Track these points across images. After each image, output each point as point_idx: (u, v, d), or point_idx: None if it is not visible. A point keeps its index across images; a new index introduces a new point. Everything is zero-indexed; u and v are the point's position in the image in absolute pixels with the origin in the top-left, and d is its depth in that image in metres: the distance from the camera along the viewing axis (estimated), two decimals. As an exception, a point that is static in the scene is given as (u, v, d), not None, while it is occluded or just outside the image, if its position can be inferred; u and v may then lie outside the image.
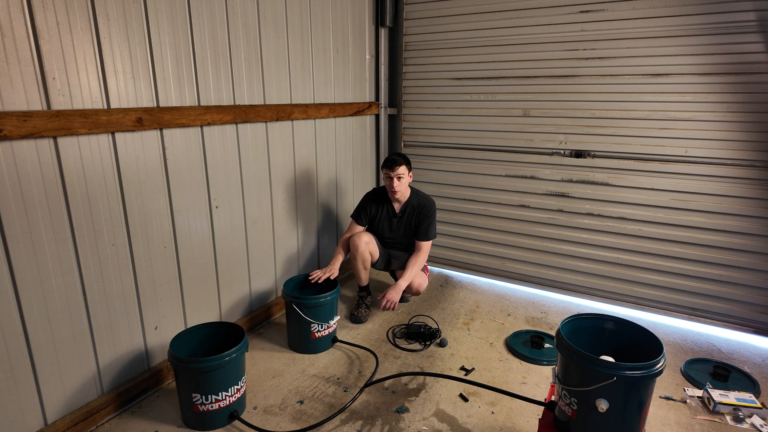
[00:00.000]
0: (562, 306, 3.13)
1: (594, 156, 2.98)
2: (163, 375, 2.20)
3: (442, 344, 2.60)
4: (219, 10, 2.23)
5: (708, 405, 2.10)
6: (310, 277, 2.62)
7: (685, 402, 2.14)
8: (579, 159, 3.03)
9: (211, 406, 1.89)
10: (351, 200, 3.55)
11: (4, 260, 1.58)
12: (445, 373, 2.30)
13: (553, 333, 2.70)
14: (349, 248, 2.85)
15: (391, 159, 2.73)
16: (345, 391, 2.19)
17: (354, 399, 2.10)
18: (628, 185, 2.91)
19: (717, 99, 2.60)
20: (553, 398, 1.74)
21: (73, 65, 1.69)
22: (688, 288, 2.85)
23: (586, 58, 2.89)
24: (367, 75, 3.56)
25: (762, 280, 2.65)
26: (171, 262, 2.18)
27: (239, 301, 2.64)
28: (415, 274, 2.80)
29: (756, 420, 1.99)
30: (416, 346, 2.60)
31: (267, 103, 2.59)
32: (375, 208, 2.91)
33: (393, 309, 2.69)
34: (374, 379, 2.24)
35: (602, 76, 2.87)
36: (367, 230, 2.96)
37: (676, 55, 2.65)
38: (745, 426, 1.98)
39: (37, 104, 1.60)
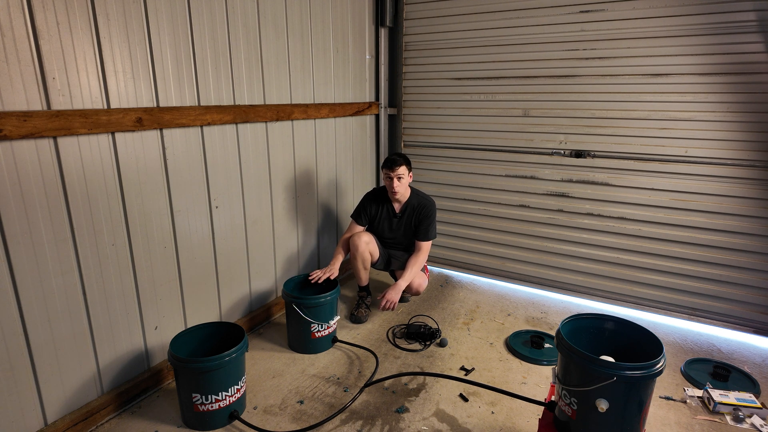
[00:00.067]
0: (562, 306, 3.13)
1: (594, 156, 2.98)
2: (163, 375, 2.20)
3: (442, 344, 2.60)
4: (219, 10, 2.23)
5: (708, 405, 2.10)
6: (310, 277, 2.62)
7: (685, 402, 2.14)
8: (579, 159, 3.03)
9: (211, 406, 1.89)
10: (351, 200, 3.55)
11: (4, 260, 1.58)
12: (445, 373, 2.30)
13: (553, 333, 2.70)
14: (349, 248, 2.85)
15: (391, 159, 2.73)
16: (345, 391, 2.19)
17: (354, 399, 2.10)
18: (628, 185, 2.91)
19: (717, 99, 2.60)
20: (553, 398, 1.74)
21: (73, 65, 1.69)
22: (688, 288, 2.85)
23: (586, 58, 2.89)
24: (367, 75, 3.56)
25: (762, 280, 2.65)
26: (171, 262, 2.18)
27: (239, 301, 2.64)
28: (415, 274, 2.80)
29: (756, 420, 1.99)
30: (416, 346, 2.60)
31: (267, 103, 2.59)
32: (375, 208, 2.91)
33: (393, 309, 2.69)
34: (374, 379, 2.24)
35: (602, 76, 2.87)
36: (367, 230, 2.96)
37: (676, 55, 2.65)
38: (745, 426, 1.98)
39: (37, 104, 1.60)
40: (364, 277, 2.93)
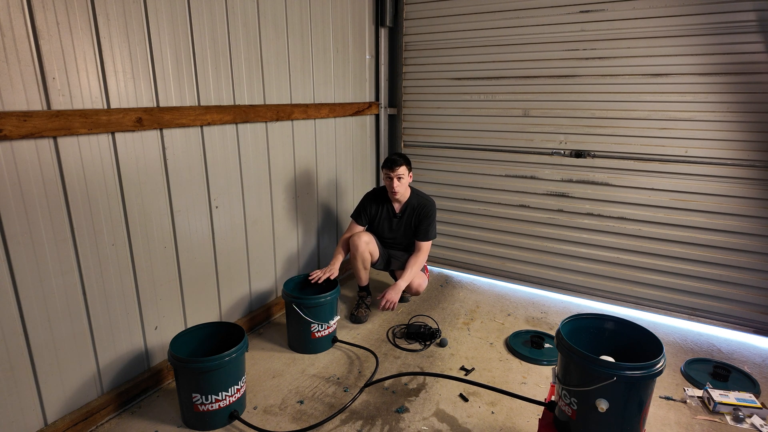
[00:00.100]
0: (562, 306, 3.13)
1: (594, 156, 2.98)
2: (163, 375, 2.20)
3: (442, 344, 2.60)
4: (219, 10, 2.23)
5: (708, 405, 2.10)
6: (310, 277, 2.62)
7: (685, 402, 2.14)
8: (579, 159, 3.03)
9: (211, 406, 1.89)
10: (351, 200, 3.55)
11: (4, 260, 1.58)
12: (445, 373, 2.30)
13: (553, 333, 2.70)
14: (349, 248, 2.85)
15: (391, 159, 2.73)
16: (345, 391, 2.19)
17: (354, 399, 2.10)
18: (628, 185, 2.91)
19: (717, 99, 2.60)
20: (553, 398, 1.74)
21: (73, 65, 1.69)
22: (688, 288, 2.85)
23: (586, 58, 2.89)
24: (367, 75, 3.56)
25: (762, 280, 2.65)
26: (171, 262, 2.18)
27: (239, 301, 2.64)
28: (415, 274, 2.80)
29: (756, 420, 1.99)
30: (416, 346, 2.60)
31: (267, 103, 2.59)
32: (375, 208, 2.91)
33: (392, 309, 2.69)
34: (374, 379, 2.24)
35: (602, 76, 2.87)
36: (367, 230, 2.96)
37: (676, 55, 2.65)
38: (745, 426, 1.98)
39: (37, 104, 1.60)
40: (364, 277, 2.92)
